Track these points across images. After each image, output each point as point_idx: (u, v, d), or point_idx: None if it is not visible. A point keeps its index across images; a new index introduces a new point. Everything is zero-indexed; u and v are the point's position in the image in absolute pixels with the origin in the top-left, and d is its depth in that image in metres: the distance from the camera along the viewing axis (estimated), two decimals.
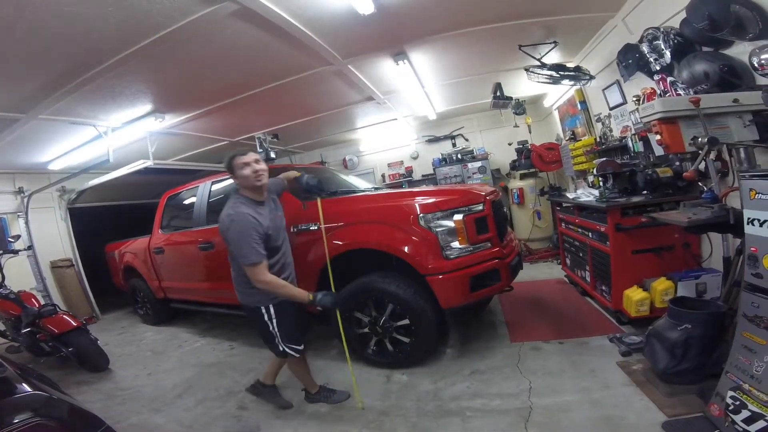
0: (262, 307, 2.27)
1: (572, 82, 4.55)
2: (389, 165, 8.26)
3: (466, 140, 7.58)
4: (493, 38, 3.94)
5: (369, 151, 8.37)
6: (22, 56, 2.77)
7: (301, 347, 2.41)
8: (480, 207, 2.75)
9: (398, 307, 2.73)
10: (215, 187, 3.87)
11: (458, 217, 2.63)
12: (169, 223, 4.52)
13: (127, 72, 3.29)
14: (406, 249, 2.64)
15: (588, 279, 3.48)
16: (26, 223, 5.85)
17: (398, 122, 6.99)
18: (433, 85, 5.33)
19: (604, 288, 3.17)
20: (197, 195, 3.95)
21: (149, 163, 4.99)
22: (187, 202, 4.14)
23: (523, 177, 6.40)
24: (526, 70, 4.30)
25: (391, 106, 5.95)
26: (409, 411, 2.35)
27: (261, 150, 5.64)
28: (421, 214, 2.64)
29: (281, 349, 2.34)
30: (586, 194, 3.64)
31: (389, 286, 2.72)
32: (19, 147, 4.76)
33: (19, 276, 5.22)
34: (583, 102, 5.08)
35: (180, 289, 4.50)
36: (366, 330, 2.88)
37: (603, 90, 4.33)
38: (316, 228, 2.93)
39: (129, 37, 2.81)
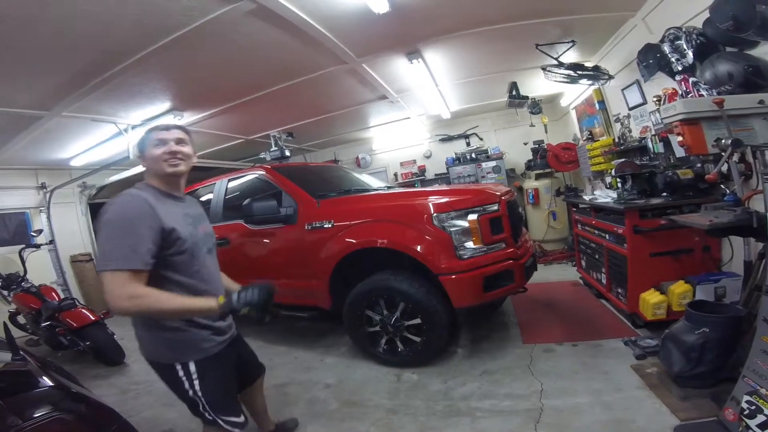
0: (177, 365, 1.46)
1: (590, 82, 4.48)
2: (402, 164, 8.27)
3: (481, 139, 7.54)
4: (508, 37, 3.91)
5: (382, 150, 8.40)
6: (45, 55, 2.85)
7: (242, 420, 1.66)
8: (495, 207, 2.74)
9: (410, 306, 2.73)
10: (231, 184, 3.92)
11: (472, 216, 2.62)
12: None
13: (146, 70, 3.37)
14: (418, 248, 2.63)
15: (603, 281, 3.44)
16: (48, 217, 6.04)
17: (411, 121, 6.99)
18: (448, 84, 5.31)
19: (619, 290, 3.12)
20: (214, 192, 4.00)
21: None
22: (203, 198, 4.20)
23: (538, 177, 6.33)
24: (543, 69, 4.26)
25: (405, 105, 5.96)
26: (418, 410, 2.35)
27: (276, 148, 5.71)
28: (435, 214, 2.64)
29: (209, 417, 1.55)
30: (603, 195, 3.58)
31: (401, 285, 2.73)
32: (43, 144, 4.91)
33: (40, 270, 5.38)
34: (602, 102, 5.00)
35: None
36: (377, 328, 2.89)
37: (622, 90, 4.26)
38: (330, 226, 2.95)
39: (148, 36, 2.88)
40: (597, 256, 3.55)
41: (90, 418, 1.33)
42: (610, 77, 4.33)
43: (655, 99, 3.49)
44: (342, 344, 3.44)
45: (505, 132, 7.44)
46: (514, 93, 5.52)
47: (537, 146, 6.59)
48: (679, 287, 2.59)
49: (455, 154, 7.44)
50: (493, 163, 6.99)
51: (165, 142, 1.51)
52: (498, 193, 2.88)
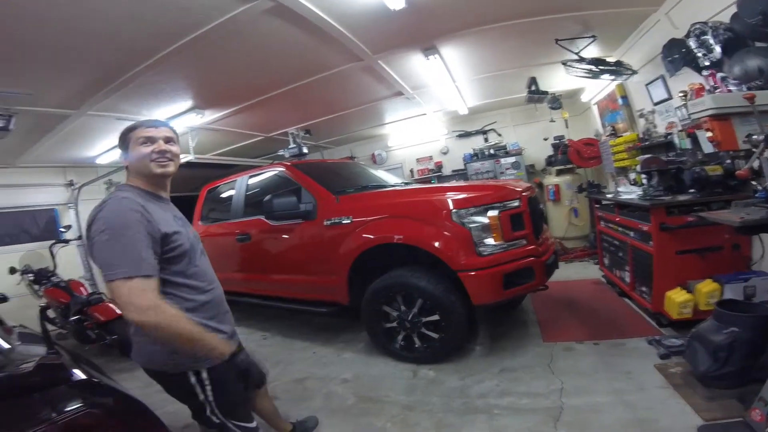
0: (190, 373, 1.40)
1: (613, 77, 4.40)
2: (418, 160, 8.25)
3: (499, 135, 7.44)
4: (527, 32, 3.87)
5: (397, 146, 8.40)
6: (71, 55, 2.94)
7: (254, 425, 1.63)
8: (516, 203, 2.71)
9: (428, 303, 2.73)
10: (252, 180, 3.99)
11: (493, 213, 2.60)
12: (208, 215, 4.67)
13: (167, 69, 3.45)
14: (437, 244, 2.62)
15: (627, 279, 3.36)
16: (76, 214, 6.24)
17: (428, 117, 6.96)
18: (465, 80, 5.27)
19: (644, 289, 3.05)
20: (235, 188, 4.08)
21: (190, 158, 5.18)
22: (225, 195, 4.28)
23: (559, 173, 6.22)
24: (564, 64, 4.19)
25: (421, 101, 5.95)
26: (435, 406, 2.35)
27: (294, 145, 5.78)
28: (454, 210, 2.62)
29: (216, 421, 1.49)
30: (628, 192, 3.50)
31: (419, 282, 2.73)
32: (70, 142, 5.07)
33: (69, 265, 5.54)
34: (625, 97, 4.90)
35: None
36: (394, 324, 2.90)
37: (646, 85, 4.16)
38: (348, 221, 2.97)
39: (169, 35, 2.94)
40: (620, 254, 3.48)
41: (120, 412, 1.35)
42: (634, 72, 4.24)
43: (680, 94, 3.41)
44: (359, 340, 3.46)
45: (524, 128, 7.32)
46: (533, 88, 5.42)
47: (558, 142, 6.48)
48: (707, 286, 2.52)
49: (473, 150, 7.38)
50: (512, 159, 6.91)
51: (153, 140, 1.41)
52: (519, 189, 2.85)
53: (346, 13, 3.02)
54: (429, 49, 3.99)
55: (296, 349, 3.59)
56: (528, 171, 6.98)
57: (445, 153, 8.02)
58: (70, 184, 6.26)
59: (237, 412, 1.55)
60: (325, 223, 3.10)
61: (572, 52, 4.13)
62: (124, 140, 1.45)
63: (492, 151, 7.16)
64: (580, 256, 5.51)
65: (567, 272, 4.71)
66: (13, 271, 4.75)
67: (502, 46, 4.19)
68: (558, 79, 5.34)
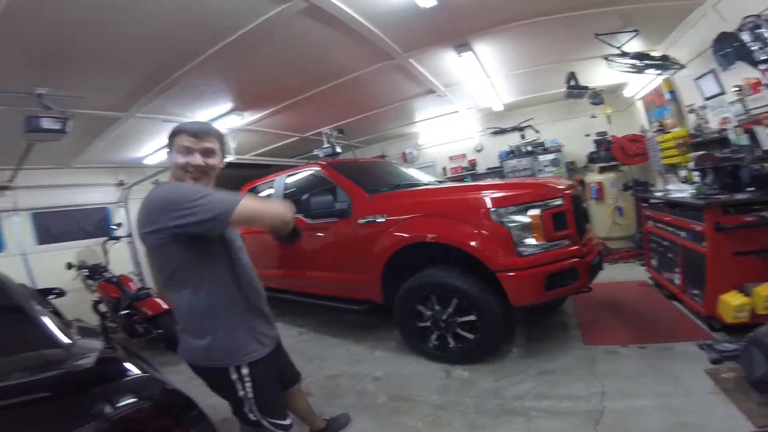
0: (231, 368, 1.45)
1: (658, 72, 4.24)
2: (451, 158, 8.14)
3: (536, 132, 7.21)
4: (565, 27, 3.77)
5: (429, 144, 8.33)
6: (119, 59, 3.12)
7: (288, 422, 1.64)
8: (558, 201, 2.62)
9: (464, 303, 2.68)
10: (289, 180, 4.09)
11: (534, 212, 2.52)
12: None
13: (208, 72, 3.58)
14: (474, 244, 2.57)
15: (676, 281, 3.18)
16: (126, 212, 6.61)
17: (460, 115, 6.87)
18: (500, 76, 5.17)
19: (695, 292, 2.87)
20: (274, 187, 4.18)
21: (231, 158, 5.36)
22: (264, 194, 4.41)
23: (602, 170, 5.96)
24: (606, 59, 4.08)
25: (453, 99, 5.88)
26: (468, 407, 2.32)
27: (328, 145, 5.87)
28: (493, 208, 2.56)
29: (253, 418, 1.53)
30: (678, 190, 3.31)
31: (455, 281, 2.69)
32: (120, 144, 5.38)
33: (119, 261, 5.84)
34: (672, 92, 4.66)
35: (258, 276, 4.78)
36: (427, 324, 2.88)
37: (695, 80, 3.96)
38: (383, 220, 2.98)
39: (208, 38, 3.06)
40: (670, 255, 3.29)
41: (170, 406, 1.36)
42: (681, 67, 4.06)
43: (735, 89, 3.22)
44: (391, 338, 3.46)
45: (564, 124, 7.06)
46: (572, 83, 5.22)
47: (600, 138, 6.21)
48: (766, 289, 2.34)
49: (509, 147, 7.21)
50: (551, 156, 6.69)
51: (191, 151, 1.42)
52: (561, 187, 2.75)
53: (378, 12, 3.04)
54: (462, 46, 3.94)
55: (329, 346, 3.65)
56: (568, 168, 6.73)
57: (479, 150, 7.87)
58: (121, 183, 6.64)
59: (273, 409, 1.58)
60: (359, 221, 3.12)
61: (613, 46, 4.00)
62: (171, 142, 1.47)
63: (529, 148, 6.95)
64: (625, 257, 5.25)
65: (611, 273, 4.49)
66: (70, 266, 5.06)
67: (539, 41, 4.08)
68: (599, 74, 5.14)
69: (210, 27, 2.89)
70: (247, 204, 1.31)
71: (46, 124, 3.16)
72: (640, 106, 5.87)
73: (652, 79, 4.92)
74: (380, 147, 8.65)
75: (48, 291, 3.21)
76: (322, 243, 3.52)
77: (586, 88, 5.32)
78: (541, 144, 6.96)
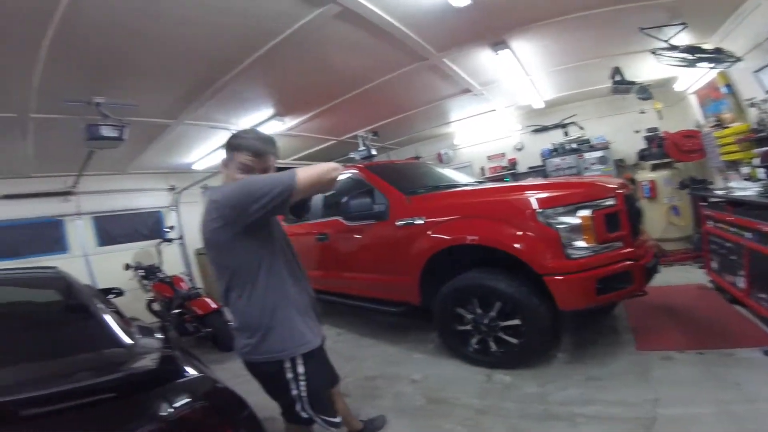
0: (287, 363, 1.47)
1: (712, 65, 3.97)
2: (489, 157, 7.97)
3: (581, 128, 6.90)
4: (607, 22, 3.63)
5: (465, 144, 8.19)
6: (167, 68, 3.30)
7: (339, 420, 1.66)
8: (610, 201, 2.48)
9: (508, 306, 2.60)
10: None
11: (584, 212, 2.39)
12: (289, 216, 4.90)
13: (250, 79, 3.71)
14: (519, 246, 2.48)
15: (740, 285, 2.92)
16: (178, 215, 7.00)
17: (498, 113, 6.70)
18: (540, 73, 5.02)
19: (762, 295, 2.63)
20: None
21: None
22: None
23: (654, 168, 5.59)
24: (653, 53, 3.88)
25: (490, 97, 5.75)
26: (510, 412, 2.25)
27: (363, 148, 5.91)
28: (540, 209, 2.45)
29: (305, 416, 1.54)
30: (741, 188, 3.06)
31: (499, 284, 2.61)
32: (171, 150, 5.71)
33: (171, 262, 6.19)
34: (729, 86, 4.32)
35: None
36: (468, 327, 2.81)
37: (755, 72, 3.70)
38: (421, 222, 2.95)
39: (249, 45, 3.16)
40: (733, 257, 3.04)
41: (223, 406, 1.38)
42: (737, 59, 3.78)
43: None
44: (429, 341, 3.42)
45: (610, 120, 6.72)
46: (618, 78, 4.97)
47: (651, 134, 5.84)
48: None
49: (552, 145, 6.94)
50: (598, 154, 6.38)
51: (251, 170, 1.47)
52: (613, 186, 2.61)
53: (410, 13, 3.03)
54: (498, 44, 3.85)
55: (367, 347, 3.66)
56: (617, 166, 6.39)
57: (519, 149, 7.64)
58: (172, 188, 7.02)
59: (325, 407, 1.62)
60: (397, 223, 3.11)
61: (661, 40, 3.81)
62: (231, 153, 1.51)
63: (574, 146, 6.67)
64: (682, 259, 4.89)
65: (666, 276, 4.21)
66: (127, 267, 5.42)
67: (580, 36, 3.94)
68: (646, 68, 4.89)
69: (250, 34, 2.99)
70: (303, 172, 1.39)
71: (105, 131, 3.37)
72: (693, 100, 5.50)
73: (704, 73, 4.61)
74: (414, 148, 8.61)
75: (108, 291, 3.39)
76: (360, 245, 3.55)
77: (633, 82, 5.05)
78: (587, 141, 6.65)
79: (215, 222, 1.40)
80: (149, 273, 5.19)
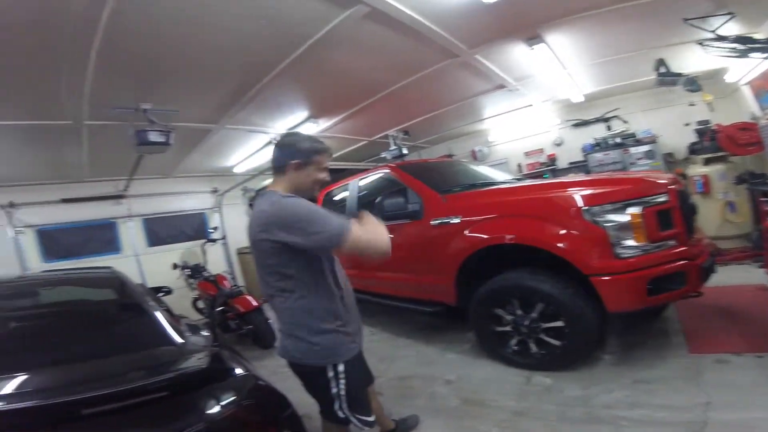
0: (329, 367, 1.54)
1: (765, 55, 3.75)
2: (527, 154, 7.73)
3: (625, 122, 6.58)
4: (648, 13, 3.49)
5: (500, 141, 8.00)
6: (207, 74, 3.44)
7: (373, 419, 1.73)
8: (662, 198, 2.35)
9: (550, 308, 2.51)
10: (362, 183, 4.19)
11: (634, 210, 2.27)
12: None
13: (284, 83, 3.81)
14: (563, 245, 2.38)
15: None
16: (220, 216, 7.31)
17: (534, 108, 6.51)
18: (578, 66, 4.85)
19: None
20: (348, 190, 4.31)
21: None
22: (339, 197, 4.57)
23: (707, 162, 5.24)
24: (700, 43, 3.73)
25: (526, 92, 5.61)
26: (549, 414, 2.18)
27: (394, 147, 5.91)
28: (586, 207, 2.35)
29: (341, 416, 1.60)
30: None
31: (542, 285, 2.52)
32: (213, 154, 5.97)
33: (215, 261, 6.43)
34: None
35: None
36: (507, 328, 2.74)
37: None
38: (457, 221, 2.91)
39: (283, 49, 3.25)
40: None
41: (267, 405, 1.40)
42: None
43: None
44: (464, 341, 3.37)
45: (656, 113, 6.36)
46: (663, 70, 4.72)
47: (703, 127, 5.49)
48: None
49: (594, 139, 6.66)
50: (644, 148, 6.04)
51: (325, 171, 1.61)
52: (665, 182, 2.46)
53: (440, 11, 3.02)
54: (533, 39, 3.76)
55: (400, 347, 3.65)
56: (666, 161, 6.03)
57: (558, 144, 7.37)
58: (215, 191, 7.33)
59: (360, 406, 1.66)
60: (432, 222, 3.08)
61: (707, 30, 3.64)
62: (308, 155, 1.56)
63: (618, 140, 6.35)
64: (739, 258, 4.52)
65: (722, 277, 3.92)
66: (175, 266, 5.69)
67: (620, 28, 3.80)
68: (693, 60, 4.64)
69: (283, 38, 3.08)
70: (358, 232, 1.40)
71: (153, 137, 3.55)
72: (746, 91, 5.12)
73: (758, 63, 4.30)
74: (446, 146, 8.50)
75: (158, 289, 3.53)
76: (394, 244, 3.50)
77: (679, 74, 4.79)
78: (632, 135, 6.33)
79: (262, 232, 1.45)
80: (195, 272, 5.38)
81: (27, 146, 4.26)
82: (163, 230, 6.83)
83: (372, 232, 1.45)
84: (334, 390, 1.55)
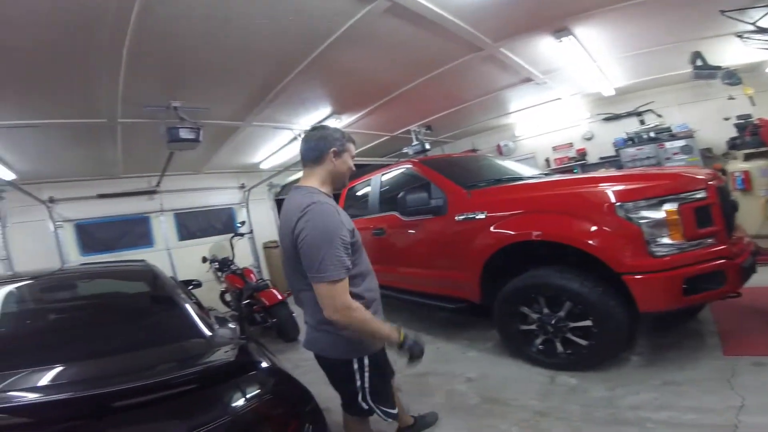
0: (354, 360, 1.57)
1: None
2: (555, 148, 7.57)
3: (659, 116, 6.33)
4: (682, 5, 3.40)
5: (527, 135, 7.86)
6: (234, 72, 3.50)
7: (396, 411, 1.77)
8: (701, 194, 2.24)
9: (578, 307, 2.44)
10: (384, 178, 4.19)
11: (671, 206, 2.18)
12: (348, 211, 4.93)
13: (308, 79, 3.85)
14: (593, 242, 2.31)
15: None
16: (248, 211, 7.49)
17: (563, 102, 6.34)
18: (609, 59, 4.71)
19: None
20: (371, 186, 4.32)
21: None
22: (361, 192, 4.59)
23: (748, 158, 4.97)
24: (739, 36, 3.63)
25: (553, 85, 5.48)
26: (573, 414, 2.13)
27: (417, 142, 5.87)
28: (619, 203, 2.26)
29: (365, 407, 1.62)
30: None
31: (570, 283, 2.44)
32: (240, 150, 6.11)
33: (241, 255, 6.60)
34: None
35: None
36: (532, 327, 2.69)
37: None
38: (483, 216, 2.86)
39: (306, 46, 3.27)
40: None
41: (291, 399, 1.41)
42: None
43: None
44: (486, 339, 3.33)
45: (693, 107, 6.12)
46: (699, 63, 4.52)
47: (743, 122, 5.23)
48: None
49: (626, 134, 6.44)
50: (680, 143, 5.83)
51: (353, 157, 1.67)
52: (704, 178, 2.35)
53: (462, 4, 2.97)
54: (560, 31, 3.67)
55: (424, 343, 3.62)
56: (704, 156, 5.80)
57: (588, 139, 7.17)
58: (242, 186, 7.52)
59: (384, 398, 1.69)
60: (456, 218, 3.04)
61: (746, 22, 3.51)
62: (343, 144, 1.61)
63: (652, 134, 6.13)
64: None
65: (764, 276, 3.73)
66: (204, 260, 5.89)
67: (653, 21, 3.67)
68: (731, 52, 4.47)
69: (306, 35, 3.10)
70: (327, 288, 1.38)
71: (183, 134, 3.68)
72: None
73: None
74: (470, 141, 8.42)
75: (189, 282, 3.64)
76: (417, 240, 3.53)
77: (718, 67, 4.60)
78: (668, 129, 6.09)
79: (297, 229, 1.44)
80: (223, 265, 5.54)
81: (66, 144, 4.48)
82: (193, 224, 7.08)
83: (341, 303, 1.40)
84: (359, 382, 1.58)
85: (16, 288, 2.20)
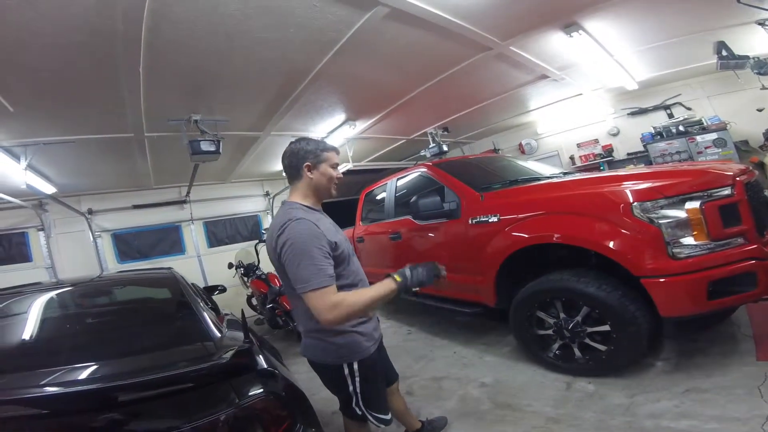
0: (344, 365, 1.60)
1: None
2: (579, 145, 7.35)
3: (688, 109, 6.05)
4: None
5: (549, 133, 7.66)
6: (249, 85, 3.63)
7: (389, 417, 1.76)
8: (726, 191, 2.10)
9: (596, 312, 2.37)
10: (399, 182, 4.20)
11: (692, 204, 2.07)
12: (367, 216, 5.00)
13: (321, 87, 3.95)
14: (611, 244, 2.22)
15: None
16: (272, 218, 7.69)
17: (585, 97, 6.16)
18: (627, 52, 4.58)
19: None
20: (387, 190, 4.34)
21: (350, 166, 5.85)
22: (378, 197, 4.62)
23: None
24: (761, 24, 3.53)
25: (572, 81, 5.35)
26: (587, 422, 2.07)
27: (434, 144, 5.83)
28: (635, 203, 2.16)
29: (359, 412, 1.66)
30: None
31: (588, 288, 2.36)
32: (262, 159, 6.31)
33: (266, 261, 6.81)
34: None
35: (375, 275, 5.00)
36: (549, 332, 2.63)
37: None
38: (496, 219, 2.83)
39: (314, 55, 3.36)
40: None
41: (285, 399, 1.45)
42: None
43: None
44: (504, 344, 3.28)
45: (724, 98, 5.82)
46: (724, 53, 4.32)
47: None
48: None
49: (653, 128, 6.20)
50: (712, 136, 5.55)
51: (337, 167, 1.66)
52: (730, 173, 2.21)
53: (461, 4, 2.96)
54: (570, 26, 3.59)
55: (437, 347, 3.61)
56: (739, 148, 5.48)
57: (614, 135, 6.94)
58: (267, 194, 7.76)
59: (377, 404, 1.71)
60: (470, 221, 3.02)
61: (765, 9, 3.38)
62: (317, 156, 1.61)
63: (681, 128, 5.87)
64: None
65: None
66: (230, 266, 6.02)
67: (667, 11, 3.58)
68: (757, 41, 4.25)
69: (313, 44, 3.19)
70: (314, 297, 1.41)
71: (204, 146, 3.85)
72: None
73: None
74: (491, 141, 8.29)
75: (213, 288, 3.72)
76: (431, 244, 3.53)
77: (746, 57, 4.38)
78: (699, 122, 5.82)
79: (279, 246, 1.50)
80: (248, 271, 5.62)
81: (100, 158, 4.78)
82: (221, 232, 7.36)
83: (331, 303, 1.41)
84: (351, 387, 1.62)
85: (56, 294, 2.42)
